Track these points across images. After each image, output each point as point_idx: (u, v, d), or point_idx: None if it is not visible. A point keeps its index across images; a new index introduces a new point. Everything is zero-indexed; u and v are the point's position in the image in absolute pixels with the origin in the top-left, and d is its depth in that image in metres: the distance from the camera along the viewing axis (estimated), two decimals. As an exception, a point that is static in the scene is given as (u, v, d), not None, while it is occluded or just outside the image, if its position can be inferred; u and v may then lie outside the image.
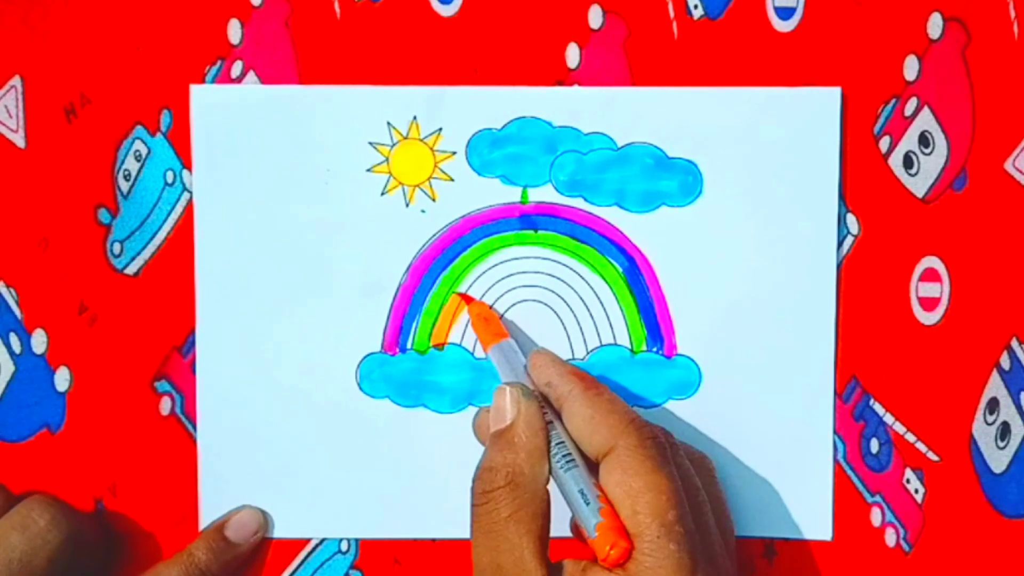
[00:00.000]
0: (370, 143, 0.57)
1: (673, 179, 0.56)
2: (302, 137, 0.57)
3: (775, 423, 0.57)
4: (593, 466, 0.50)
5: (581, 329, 0.57)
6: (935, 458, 0.57)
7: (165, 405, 0.58)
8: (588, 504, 0.49)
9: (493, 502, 0.49)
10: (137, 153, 0.57)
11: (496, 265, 0.57)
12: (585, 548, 0.50)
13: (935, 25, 0.57)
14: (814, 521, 0.57)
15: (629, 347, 0.57)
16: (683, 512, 0.48)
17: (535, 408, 0.51)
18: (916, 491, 0.57)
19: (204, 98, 0.57)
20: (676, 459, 0.50)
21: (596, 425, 0.50)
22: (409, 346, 0.57)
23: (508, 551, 0.48)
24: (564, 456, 0.50)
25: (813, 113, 0.56)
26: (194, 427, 0.57)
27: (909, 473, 0.57)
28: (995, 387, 0.57)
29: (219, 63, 0.57)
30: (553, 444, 0.51)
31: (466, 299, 0.57)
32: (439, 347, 0.57)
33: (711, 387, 0.57)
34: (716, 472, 0.55)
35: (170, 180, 0.57)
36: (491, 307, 0.57)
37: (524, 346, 0.56)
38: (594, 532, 0.48)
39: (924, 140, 0.57)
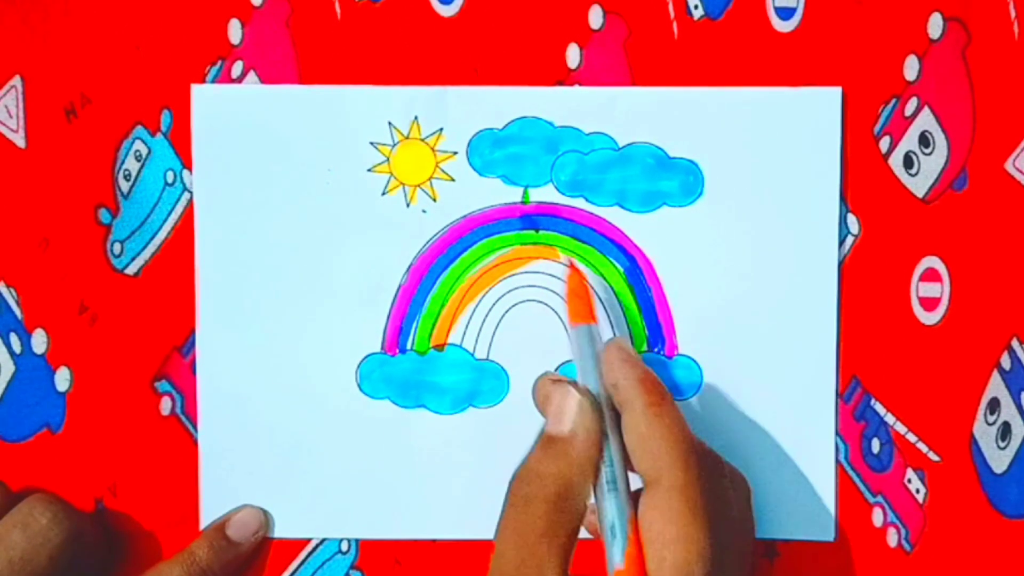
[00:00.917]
0: (371, 143, 0.57)
1: (674, 179, 0.56)
2: (303, 137, 0.57)
3: (777, 424, 0.57)
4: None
5: (582, 329, 0.57)
6: (936, 458, 0.57)
7: (165, 405, 0.57)
8: (615, 539, 0.48)
9: (534, 510, 0.48)
10: (137, 153, 0.57)
11: (497, 265, 0.57)
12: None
13: (935, 25, 0.57)
14: (817, 522, 0.57)
15: (630, 347, 0.57)
16: (707, 567, 0.47)
17: (597, 423, 0.50)
18: (917, 491, 0.57)
19: (205, 98, 0.57)
20: (719, 489, 0.50)
21: (647, 448, 0.49)
22: (409, 347, 0.57)
23: (535, 564, 0.47)
24: (609, 479, 0.49)
25: (814, 113, 0.56)
26: (194, 427, 0.57)
27: (910, 473, 0.57)
28: (996, 387, 0.57)
29: (219, 63, 0.57)
30: (604, 460, 0.50)
31: (572, 266, 0.56)
32: (439, 348, 0.57)
33: (712, 387, 0.57)
34: (752, 495, 0.54)
35: (170, 180, 0.57)
36: (589, 286, 0.56)
37: (514, 351, 0.57)
38: (612, 571, 0.48)
39: (924, 140, 0.57)
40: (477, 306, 0.57)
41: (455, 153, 0.57)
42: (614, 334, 0.57)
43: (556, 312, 0.57)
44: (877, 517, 0.57)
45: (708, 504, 0.48)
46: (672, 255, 0.57)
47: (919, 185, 0.57)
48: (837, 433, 0.57)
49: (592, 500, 0.49)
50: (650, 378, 0.50)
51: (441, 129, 0.57)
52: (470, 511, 0.57)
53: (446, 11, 0.57)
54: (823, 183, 0.56)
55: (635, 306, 0.57)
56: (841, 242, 0.57)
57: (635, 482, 0.50)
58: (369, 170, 0.57)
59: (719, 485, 0.50)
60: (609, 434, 0.50)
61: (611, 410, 0.51)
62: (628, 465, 0.50)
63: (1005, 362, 0.57)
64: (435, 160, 0.57)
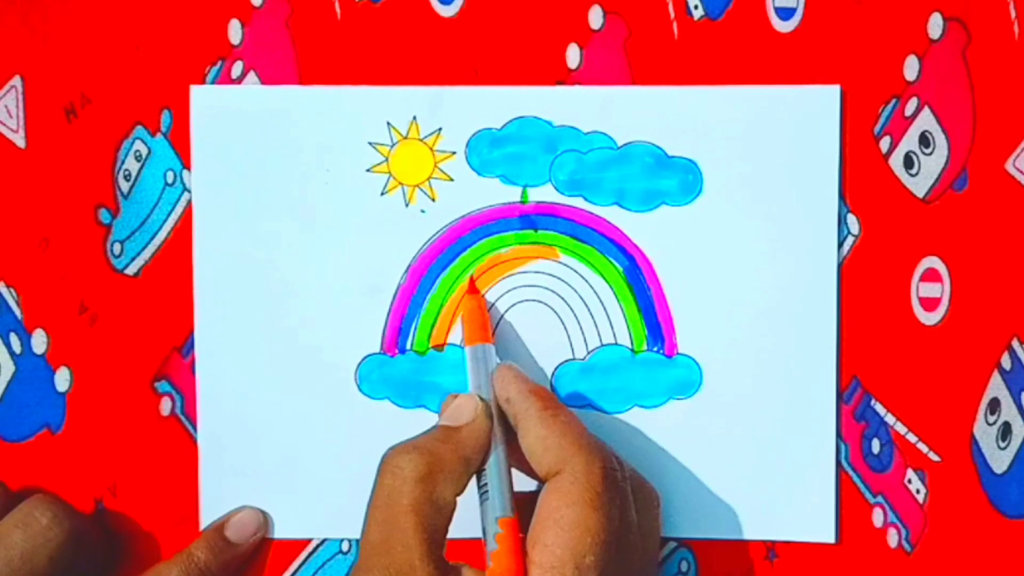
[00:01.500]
0: (370, 143, 0.57)
1: (673, 178, 0.56)
2: (302, 137, 0.57)
3: (777, 424, 0.57)
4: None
5: (582, 329, 0.57)
6: (936, 458, 0.57)
7: (165, 405, 0.57)
8: (487, 542, 0.49)
9: (400, 482, 0.48)
10: (137, 153, 0.57)
11: (496, 265, 0.57)
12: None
13: (935, 25, 0.57)
14: (817, 523, 0.57)
15: (630, 347, 0.57)
16: (602, 558, 0.48)
17: (488, 428, 0.51)
18: (918, 491, 0.57)
19: (204, 99, 0.57)
20: (619, 494, 0.50)
21: (548, 445, 0.50)
22: (408, 347, 0.57)
23: (401, 540, 0.48)
24: (483, 485, 0.51)
25: (813, 111, 0.56)
26: (194, 427, 0.57)
27: (911, 473, 0.57)
28: (996, 387, 0.57)
29: (219, 63, 0.57)
30: (486, 466, 0.51)
31: (471, 288, 0.57)
32: (439, 348, 0.57)
33: (712, 387, 0.57)
34: (660, 506, 0.54)
35: (170, 180, 0.57)
36: (488, 307, 0.56)
37: (514, 351, 0.57)
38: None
39: (924, 140, 0.57)
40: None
41: (454, 153, 0.57)
42: (614, 338, 0.57)
43: (555, 312, 0.57)
44: (877, 517, 0.57)
45: (610, 499, 0.49)
46: (671, 254, 0.56)
47: (919, 185, 0.57)
48: (837, 433, 0.57)
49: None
50: (541, 389, 0.53)
51: (440, 129, 0.57)
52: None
53: (446, 11, 0.57)
54: (822, 182, 0.56)
55: (634, 305, 0.57)
56: (841, 242, 0.57)
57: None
58: (368, 170, 0.57)
59: (622, 490, 0.50)
60: (499, 446, 0.51)
61: (501, 426, 0.52)
62: (528, 470, 0.51)
63: (1005, 362, 0.57)
64: (434, 160, 0.57)
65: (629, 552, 0.50)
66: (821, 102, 0.56)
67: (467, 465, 0.50)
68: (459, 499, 0.50)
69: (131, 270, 0.57)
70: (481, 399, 0.52)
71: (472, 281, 0.57)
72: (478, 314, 0.56)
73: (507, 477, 0.51)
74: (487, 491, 0.50)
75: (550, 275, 0.57)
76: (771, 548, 0.57)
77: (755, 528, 0.57)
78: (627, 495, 0.51)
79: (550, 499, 0.49)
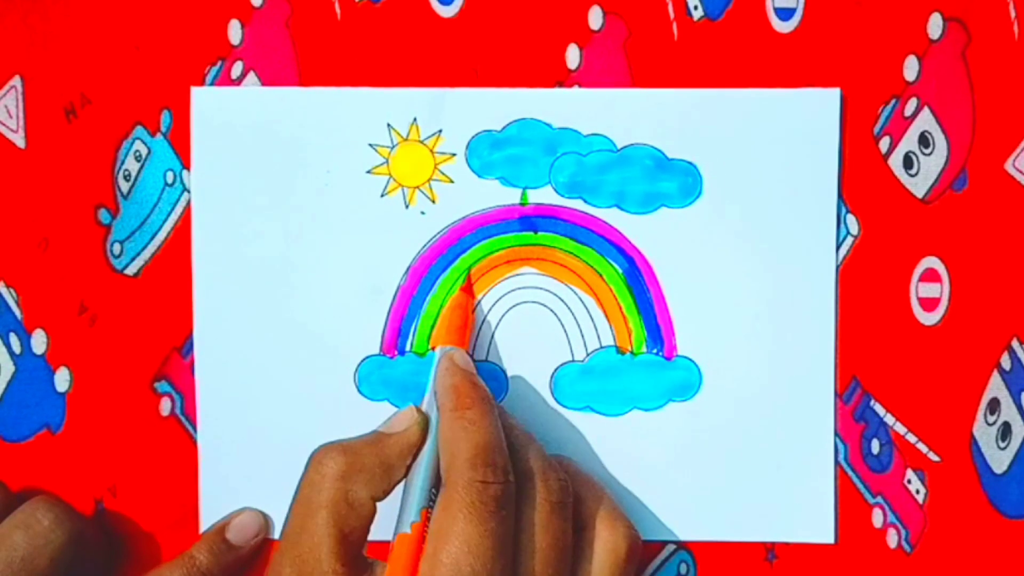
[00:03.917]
0: (370, 145, 0.57)
1: (673, 180, 0.56)
2: (302, 138, 0.57)
3: (776, 425, 0.57)
4: None
5: (581, 331, 0.57)
6: (936, 459, 0.57)
7: (165, 406, 0.58)
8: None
9: (319, 479, 0.50)
10: (137, 153, 0.57)
11: (496, 267, 0.57)
12: None
13: (935, 25, 0.57)
14: (816, 524, 0.57)
15: (629, 349, 0.57)
16: (483, 566, 0.48)
17: (418, 440, 0.52)
18: (917, 492, 0.57)
19: (205, 100, 0.57)
20: (505, 504, 0.50)
21: (446, 449, 0.51)
22: (408, 348, 0.57)
23: (312, 533, 0.50)
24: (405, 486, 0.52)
25: (813, 114, 0.56)
26: (194, 428, 0.57)
27: (910, 474, 0.57)
28: (996, 387, 0.57)
29: (219, 64, 0.57)
30: (412, 474, 0.52)
31: (467, 287, 0.57)
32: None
33: (711, 389, 0.57)
34: (629, 556, 0.53)
35: (170, 181, 0.57)
36: (472, 311, 0.57)
37: (513, 353, 0.57)
38: None
39: (924, 140, 0.57)
40: (476, 308, 0.57)
41: (454, 155, 0.57)
42: (613, 340, 0.57)
43: (555, 314, 0.57)
44: (877, 518, 0.57)
45: (495, 512, 0.49)
46: (671, 256, 0.56)
47: (919, 185, 0.57)
48: (836, 434, 0.57)
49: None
50: (465, 384, 0.52)
51: (440, 131, 0.56)
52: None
53: (446, 12, 0.57)
54: (822, 184, 0.56)
55: (634, 307, 0.57)
56: (840, 243, 0.57)
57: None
58: (368, 172, 0.57)
59: (506, 494, 0.50)
60: (423, 450, 0.52)
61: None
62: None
63: (1005, 362, 0.57)
64: (434, 162, 0.57)
65: (530, 559, 0.50)
66: (821, 105, 0.56)
67: (389, 471, 0.51)
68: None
69: (131, 270, 0.57)
70: (421, 412, 0.53)
71: (470, 281, 0.57)
72: (459, 314, 0.56)
73: (426, 482, 0.51)
74: (406, 491, 0.52)
75: (549, 277, 0.57)
76: (770, 549, 0.57)
77: (754, 529, 0.57)
78: (518, 501, 0.51)
79: (436, 512, 0.50)
